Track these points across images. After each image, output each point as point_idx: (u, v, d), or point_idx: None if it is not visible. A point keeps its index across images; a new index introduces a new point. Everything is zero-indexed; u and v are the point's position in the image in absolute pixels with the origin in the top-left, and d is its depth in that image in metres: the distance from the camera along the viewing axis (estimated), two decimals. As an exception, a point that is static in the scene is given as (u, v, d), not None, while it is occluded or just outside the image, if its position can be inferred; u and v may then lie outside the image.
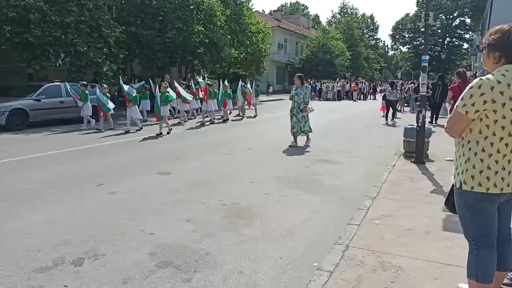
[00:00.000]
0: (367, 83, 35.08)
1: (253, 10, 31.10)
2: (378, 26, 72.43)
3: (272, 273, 3.11)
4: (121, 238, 3.73)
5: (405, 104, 20.07)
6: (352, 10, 68.65)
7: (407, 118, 14.65)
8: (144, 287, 2.88)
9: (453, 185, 2.47)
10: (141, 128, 11.42)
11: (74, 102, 12.26)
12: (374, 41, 70.56)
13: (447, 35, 53.28)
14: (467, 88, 2.17)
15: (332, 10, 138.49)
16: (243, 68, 28.99)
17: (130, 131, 11.03)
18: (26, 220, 4.16)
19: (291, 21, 48.83)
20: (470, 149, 2.21)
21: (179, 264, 3.22)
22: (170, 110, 12.93)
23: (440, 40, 53.15)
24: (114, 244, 3.58)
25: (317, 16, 73.09)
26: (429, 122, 12.39)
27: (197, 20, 19.38)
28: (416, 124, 7.03)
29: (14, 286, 2.87)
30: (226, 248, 3.53)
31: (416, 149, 6.98)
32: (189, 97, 13.37)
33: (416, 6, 53.28)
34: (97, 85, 13.15)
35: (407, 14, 57.91)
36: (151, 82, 13.54)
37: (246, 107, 16.55)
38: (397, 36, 59.63)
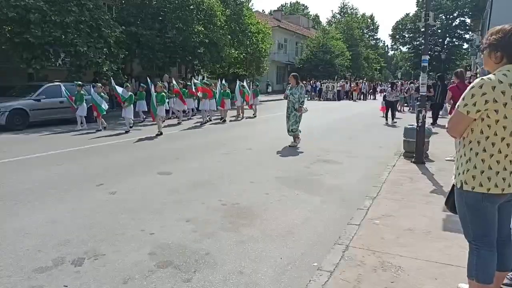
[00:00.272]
0: (366, 83, 35.08)
1: (253, 10, 31.12)
2: (378, 26, 72.45)
3: (272, 273, 3.11)
4: (121, 238, 3.73)
5: (405, 104, 20.07)
6: (352, 10, 68.67)
7: (407, 118, 14.66)
8: (144, 287, 2.88)
9: (453, 185, 2.47)
10: (128, 131, 11.01)
11: (68, 102, 11.95)
12: (374, 41, 70.53)
13: (447, 35, 53.26)
14: (468, 88, 2.16)
15: (332, 10, 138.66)
16: (243, 68, 28.98)
17: (129, 131, 11.01)
18: (26, 220, 4.16)
19: (291, 21, 48.82)
20: (471, 149, 2.21)
21: (179, 264, 3.22)
22: (167, 110, 12.86)
23: (440, 40, 53.14)
24: (114, 244, 3.58)
25: (317, 16, 73.13)
26: (430, 123, 12.36)
27: (197, 20, 19.38)
28: (416, 124, 7.03)
29: (14, 286, 2.87)
30: (226, 248, 3.53)
31: (416, 149, 6.98)
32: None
33: (416, 6, 53.30)
34: (91, 84, 13.00)
35: (407, 14, 57.95)
36: (149, 81, 13.42)
37: (246, 107, 16.54)
38: (397, 36, 59.62)
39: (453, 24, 52.63)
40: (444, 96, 11.94)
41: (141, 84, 14.25)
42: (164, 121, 13.12)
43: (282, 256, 3.39)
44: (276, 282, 2.97)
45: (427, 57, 7.13)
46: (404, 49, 62.12)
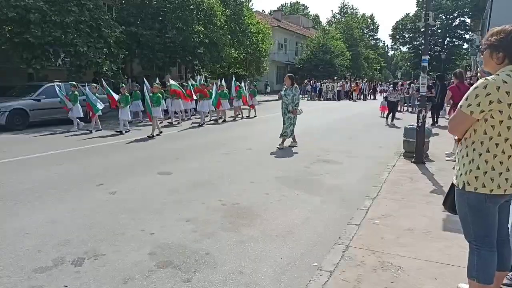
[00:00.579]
0: (366, 83, 35.09)
1: (253, 10, 31.12)
2: (378, 26, 72.46)
3: (272, 273, 3.11)
4: (121, 238, 3.73)
5: (405, 104, 20.07)
6: (352, 10, 68.63)
7: (407, 118, 14.66)
8: (144, 287, 2.88)
9: (451, 186, 2.46)
10: (122, 132, 10.76)
11: (62, 102, 11.58)
12: (374, 41, 70.53)
13: (447, 35, 53.25)
14: (472, 88, 2.15)
15: (332, 10, 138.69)
16: (243, 68, 28.99)
17: (124, 132, 10.80)
18: (26, 220, 4.17)
19: (291, 21, 48.83)
20: (474, 149, 2.19)
21: (179, 264, 3.22)
22: (165, 111, 12.72)
23: (440, 40, 53.13)
24: (114, 244, 3.58)
25: (317, 16, 73.10)
26: (431, 124, 12.36)
27: (197, 20, 19.38)
28: (416, 124, 7.03)
29: (14, 286, 2.87)
30: (226, 248, 3.53)
31: (416, 149, 6.98)
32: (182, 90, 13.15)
33: (416, 6, 53.28)
34: (86, 84, 12.88)
35: (407, 14, 57.94)
36: (145, 81, 13.34)
37: (246, 107, 16.51)
38: (397, 36, 59.61)
39: (453, 24, 52.62)
40: (444, 96, 11.95)
41: (135, 84, 14.19)
42: (161, 122, 13.12)
43: (282, 256, 3.39)
44: (276, 282, 2.97)
45: (427, 57, 7.13)
46: (404, 49, 62.19)
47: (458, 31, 52.88)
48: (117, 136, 10.35)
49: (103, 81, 12.16)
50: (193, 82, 14.89)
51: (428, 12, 6.94)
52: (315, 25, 62.45)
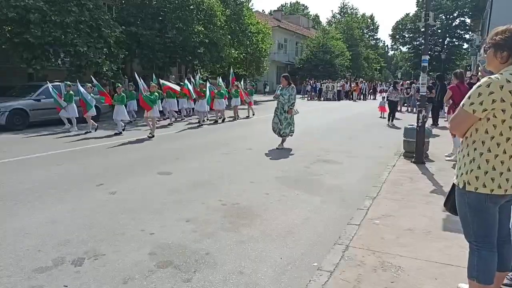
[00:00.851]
0: (366, 83, 35.10)
1: (253, 10, 31.11)
2: (378, 26, 72.45)
3: (272, 273, 3.10)
4: (121, 238, 3.73)
5: (404, 104, 20.06)
6: (352, 10, 68.61)
7: (407, 118, 14.66)
8: (144, 287, 2.88)
9: (453, 186, 2.46)
10: (121, 133, 10.68)
11: (55, 102, 11.37)
12: (374, 41, 70.52)
13: (447, 35, 53.23)
14: (475, 86, 2.13)
15: (332, 10, 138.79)
16: (243, 68, 29.00)
17: (118, 133, 10.63)
18: (26, 220, 4.16)
19: (291, 21, 48.83)
20: (475, 149, 2.18)
21: (179, 264, 3.22)
22: (161, 111, 12.61)
23: (440, 40, 53.12)
24: (114, 244, 3.58)
25: (317, 16, 73.10)
26: (431, 124, 12.35)
27: (197, 20, 19.39)
28: (416, 124, 7.03)
29: (14, 286, 2.87)
30: (226, 248, 3.53)
31: (416, 149, 6.99)
32: (177, 88, 13.04)
33: (416, 6, 53.25)
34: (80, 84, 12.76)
35: (407, 14, 57.90)
36: (142, 81, 13.23)
37: (245, 107, 16.47)
38: (397, 36, 59.58)
39: (453, 24, 52.61)
40: (443, 95, 11.94)
41: (130, 84, 14.15)
42: (159, 121, 13.10)
43: (282, 256, 3.39)
44: (276, 282, 2.97)
45: (427, 57, 7.13)
46: (404, 49, 62.16)
47: (458, 31, 52.87)
48: (117, 136, 10.35)
49: (93, 78, 11.79)
50: (193, 80, 14.84)
51: (428, 12, 6.94)
52: (315, 25, 62.45)
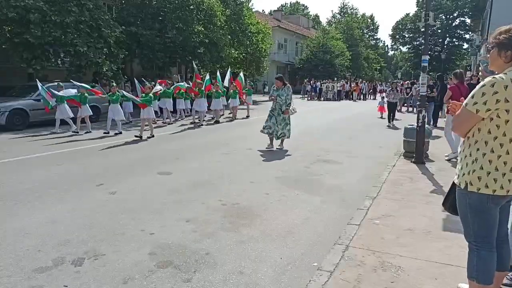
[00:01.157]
0: (366, 83, 35.10)
1: (253, 10, 31.11)
2: (378, 26, 72.41)
3: (272, 273, 3.10)
4: (121, 238, 3.73)
5: (404, 104, 20.04)
6: (352, 10, 68.63)
7: (407, 119, 14.66)
8: (144, 287, 2.88)
9: (452, 185, 2.45)
10: (121, 132, 10.61)
11: (44, 102, 11.05)
12: (374, 41, 70.52)
13: (447, 35, 53.25)
14: (479, 86, 2.11)
15: (332, 10, 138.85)
16: (243, 68, 28.99)
17: (113, 133, 10.55)
18: (26, 220, 4.16)
19: (291, 21, 48.84)
20: (478, 149, 2.16)
21: (179, 264, 3.22)
22: (156, 111, 12.49)
23: (440, 40, 53.14)
24: (114, 244, 3.58)
25: (317, 16, 73.06)
26: (432, 124, 12.35)
27: (197, 20, 19.39)
28: (416, 124, 7.04)
29: (14, 286, 2.87)
30: (226, 248, 3.53)
31: (416, 149, 6.99)
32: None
33: (416, 6, 53.28)
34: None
35: (407, 14, 57.92)
36: (137, 82, 13.15)
37: (245, 107, 16.46)
38: (397, 36, 59.60)
39: (453, 24, 52.63)
40: (443, 95, 11.94)
41: (127, 85, 14.07)
42: (155, 122, 13.08)
43: (282, 256, 3.39)
44: (276, 282, 2.97)
45: (427, 57, 7.13)
46: (404, 49, 62.20)
47: (458, 31, 52.89)
48: (117, 136, 10.35)
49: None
50: (182, 83, 14.72)
51: (428, 12, 6.94)
52: (315, 25, 62.44)
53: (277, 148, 8.54)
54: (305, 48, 43.20)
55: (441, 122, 13.17)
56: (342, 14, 68.03)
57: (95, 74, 16.22)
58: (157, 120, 13.65)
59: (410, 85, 20.76)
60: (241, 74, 16.42)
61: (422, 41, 8.50)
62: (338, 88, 31.22)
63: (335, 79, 36.17)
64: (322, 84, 32.02)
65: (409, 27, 55.61)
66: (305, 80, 34.88)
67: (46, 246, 3.51)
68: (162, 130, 11.84)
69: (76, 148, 8.63)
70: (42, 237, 3.70)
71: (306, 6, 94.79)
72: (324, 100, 29.92)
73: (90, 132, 10.98)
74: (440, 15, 50.57)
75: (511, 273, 2.61)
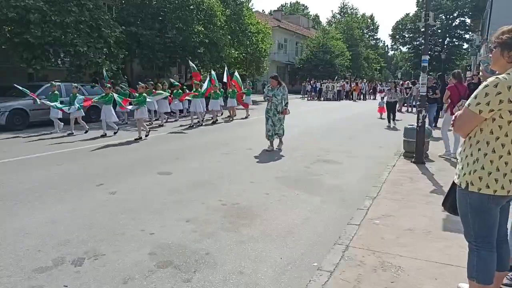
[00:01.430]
0: (366, 83, 35.10)
1: (253, 10, 31.11)
2: (378, 26, 72.46)
3: (272, 273, 3.10)
4: (121, 238, 3.73)
5: (404, 104, 20.03)
6: (352, 10, 68.65)
7: (407, 119, 14.65)
8: (144, 287, 2.88)
9: (452, 185, 2.45)
10: (105, 133, 10.43)
11: (33, 101, 10.91)
12: (374, 41, 70.52)
13: (447, 35, 53.27)
14: (482, 86, 2.10)
15: (332, 10, 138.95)
16: (243, 68, 29.00)
17: (106, 135, 10.42)
18: (26, 220, 4.16)
19: (291, 21, 48.85)
20: (479, 149, 2.16)
21: (179, 264, 3.22)
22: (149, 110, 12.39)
23: (440, 40, 53.15)
24: (114, 244, 3.58)
25: (317, 16, 73.08)
26: (433, 125, 12.34)
27: (197, 20, 19.39)
28: (416, 124, 7.04)
29: (14, 286, 2.87)
30: (226, 248, 3.53)
31: (416, 149, 6.99)
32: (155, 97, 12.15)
33: (416, 6, 53.32)
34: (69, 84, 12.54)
35: (407, 14, 57.94)
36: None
37: (242, 107, 16.43)
38: (397, 36, 59.62)
39: (453, 24, 52.65)
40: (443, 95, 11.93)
41: (122, 85, 14.03)
42: (151, 123, 13.06)
43: (282, 256, 3.39)
44: (276, 282, 2.97)
45: (427, 57, 7.13)
46: (404, 49, 62.22)
47: (458, 31, 52.91)
48: (117, 136, 10.34)
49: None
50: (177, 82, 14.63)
51: (428, 12, 6.94)
52: (315, 25, 62.45)
53: (276, 149, 8.50)
54: (305, 48, 43.21)
55: (441, 122, 13.18)
56: (342, 14, 68.05)
57: (95, 74, 16.21)
58: (154, 121, 13.66)
59: (411, 85, 20.74)
60: (236, 73, 16.30)
61: (422, 41, 8.50)
62: (338, 88, 31.21)
63: (336, 77, 36.15)
64: (322, 84, 32.02)
65: (409, 27, 55.63)
66: (305, 80, 34.87)
67: (46, 246, 3.51)
68: (163, 130, 11.85)
69: (76, 148, 8.63)
70: (42, 237, 3.70)
71: (306, 6, 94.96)
72: (324, 100, 29.92)
73: (72, 133, 10.59)
74: (440, 15, 50.58)
75: (511, 273, 2.61)
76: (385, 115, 14.75)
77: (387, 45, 78.61)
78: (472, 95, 2.15)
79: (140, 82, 11.64)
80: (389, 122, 13.78)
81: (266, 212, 4.52)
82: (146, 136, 10.13)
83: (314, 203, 4.89)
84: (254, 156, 7.86)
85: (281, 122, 8.36)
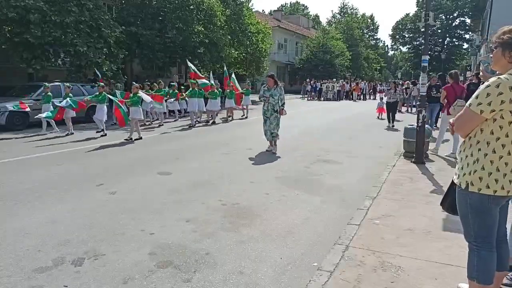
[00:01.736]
0: (366, 83, 35.10)
1: (253, 10, 31.11)
2: (378, 26, 72.41)
3: (272, 273, 3.10)
4: (121, 238, 3.73)
5: (404, 104, 20.02)
6: (352, 10, 68.60)
7: (407, 119, 14.65)
8: (144, 287, 2.88)
9: (450, 185, 2.45)
10: (105, 133, 10.38)
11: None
12: (374, 41, 70.49)
13: (447, 35, 53.28)
14: (483, 86, 2.10)
15: (332, 10, 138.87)
16: (243, 68, 29.00)
17: (101, 133, 10.37)
18: (26, 220, 4.16)
19: (291, 21, 48.82)
20: (479, 149, 2.15)
21: (179, 264, 3.22)
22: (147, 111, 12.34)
23: (440, 40, 53.15)
24: (114, 244, 3.58)
25: (317, 16, 73.04)
26: (434, 126, 12.34)
27: (197, 20, 19.40)
28: (416, 124, 7.04)
29: (14, 286, 2.87)
30: (226, 248, 3.53)
31: (416, 149, 6.98)
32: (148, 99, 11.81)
33: (416, 6, 53.33)
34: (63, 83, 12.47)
35: (407, 14, 57.95)
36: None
37: (241, 107, 16.39)
38: (397, 36, 59.62)
39: (453, 24, 52.65)
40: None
41: (117, 84, 13.99)
42: (148, 123, 13.02)
43: (282, 256, 3.39)
44: (276, 282, 2.96)
45: (427, 57, 7.13)
46: (404, 49, 62.22)
47: (458, 31, 52.92)
48: (117, 137, 10.33)
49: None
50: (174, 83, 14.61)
51: (428, 12, 6.94)
52: (315, 25, 62.42)
53: (273, 152, 8.21)
54: (305, 48, 43.19)
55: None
56: (342, 14, 68.01)
57: (95, 74, 16.20)
58: (152, 122, 13.65)
59: (410, 85, 20.72)
60: (233, 75, 16.23)
61: (422, 41, 8.50)
62: (338, 88, 31.21)
63: (334, 79, 36.14)
64: (322, 84, 32.02)
65: (409, 27, 55.64)
66: (305, 81, 34.87)
67: (46, 246, 3.51)
68: (163, 130, 11.84)
69: (76, 148, 8.62)
70: (42, 237, 3.70)
71: (306, 6, 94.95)
72: (324, 100, 29.91)
73: (71, 134, 10.58)
74: (440, 15, 50.59)
75: (511, 273, 2.61)
76: (384, 115, 14.75)
77: (387, 45, 78.70)
78: (473, 95, 2.14)
79: (134, 82, 11.51)
80: (389, 122, 13.78)
81: (266, 212, 4.52)
82: (137, 139, 9.74)
83: (314, 203, 4.89)
84: (254, 156, 7.86)
85: (277, 121, 8.18)
